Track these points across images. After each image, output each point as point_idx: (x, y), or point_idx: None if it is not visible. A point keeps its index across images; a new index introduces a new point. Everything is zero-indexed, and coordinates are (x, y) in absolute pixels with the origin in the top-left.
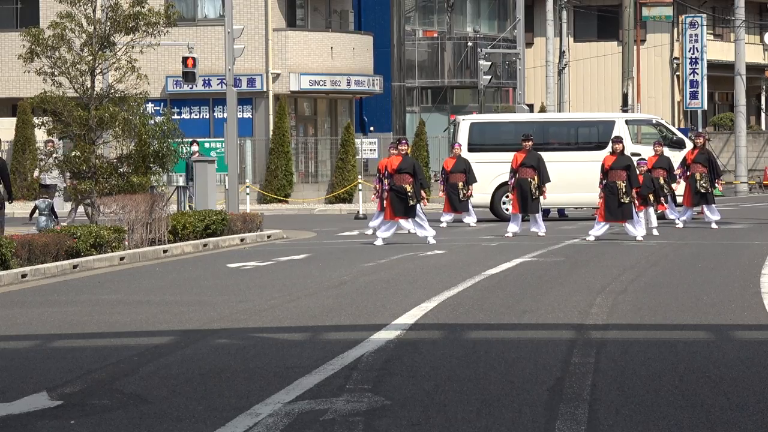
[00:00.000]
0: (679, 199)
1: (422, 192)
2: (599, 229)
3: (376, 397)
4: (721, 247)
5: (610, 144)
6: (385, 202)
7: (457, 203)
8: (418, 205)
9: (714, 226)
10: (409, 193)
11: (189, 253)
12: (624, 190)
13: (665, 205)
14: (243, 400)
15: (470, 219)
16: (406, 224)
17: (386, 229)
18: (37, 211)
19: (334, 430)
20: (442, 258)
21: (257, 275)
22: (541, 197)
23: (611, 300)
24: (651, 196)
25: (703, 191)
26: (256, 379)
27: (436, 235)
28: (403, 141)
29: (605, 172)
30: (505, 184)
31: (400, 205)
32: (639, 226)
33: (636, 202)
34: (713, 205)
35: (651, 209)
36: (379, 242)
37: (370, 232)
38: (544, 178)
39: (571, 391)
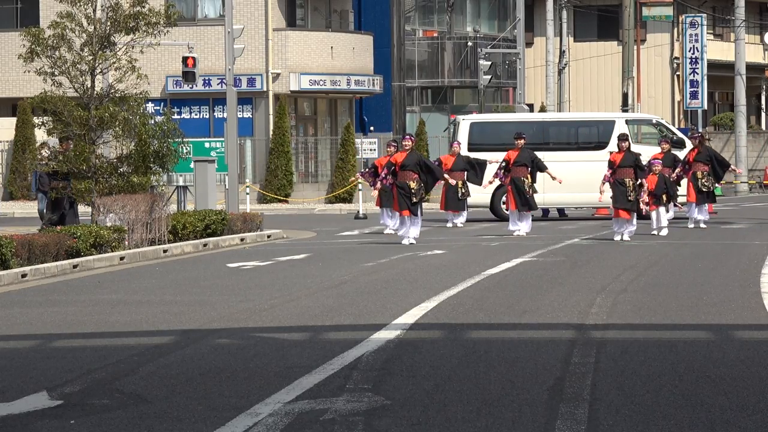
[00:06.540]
0: (682, 198)
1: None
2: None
3: (376, 396)
4: (721, 247)
5: (617, 142)
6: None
7: (455, 201)
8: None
9: (703, 225)
10: (413, 190)
11: (189, 253)
12: (632, 186)
13: (681, 206)
14: (243, 399)
15: (460, 219)
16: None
17: (394, 217)
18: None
19: (334, 429)
20: (442, 258)
21: (257, 275)
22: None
23: (611, 300)
24: (664, 197)
25: (705, 190)
26: (256, 378)
27: (438, 234)
28: (407, 136)
29: (614, 169)
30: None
31: (404, 201)
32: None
33: (647, 200)
34: (705, 206)
35: (662, 209)
36: (388, 230)
37: (388, 231)
38: (541, 167)
39: (571, 391)
